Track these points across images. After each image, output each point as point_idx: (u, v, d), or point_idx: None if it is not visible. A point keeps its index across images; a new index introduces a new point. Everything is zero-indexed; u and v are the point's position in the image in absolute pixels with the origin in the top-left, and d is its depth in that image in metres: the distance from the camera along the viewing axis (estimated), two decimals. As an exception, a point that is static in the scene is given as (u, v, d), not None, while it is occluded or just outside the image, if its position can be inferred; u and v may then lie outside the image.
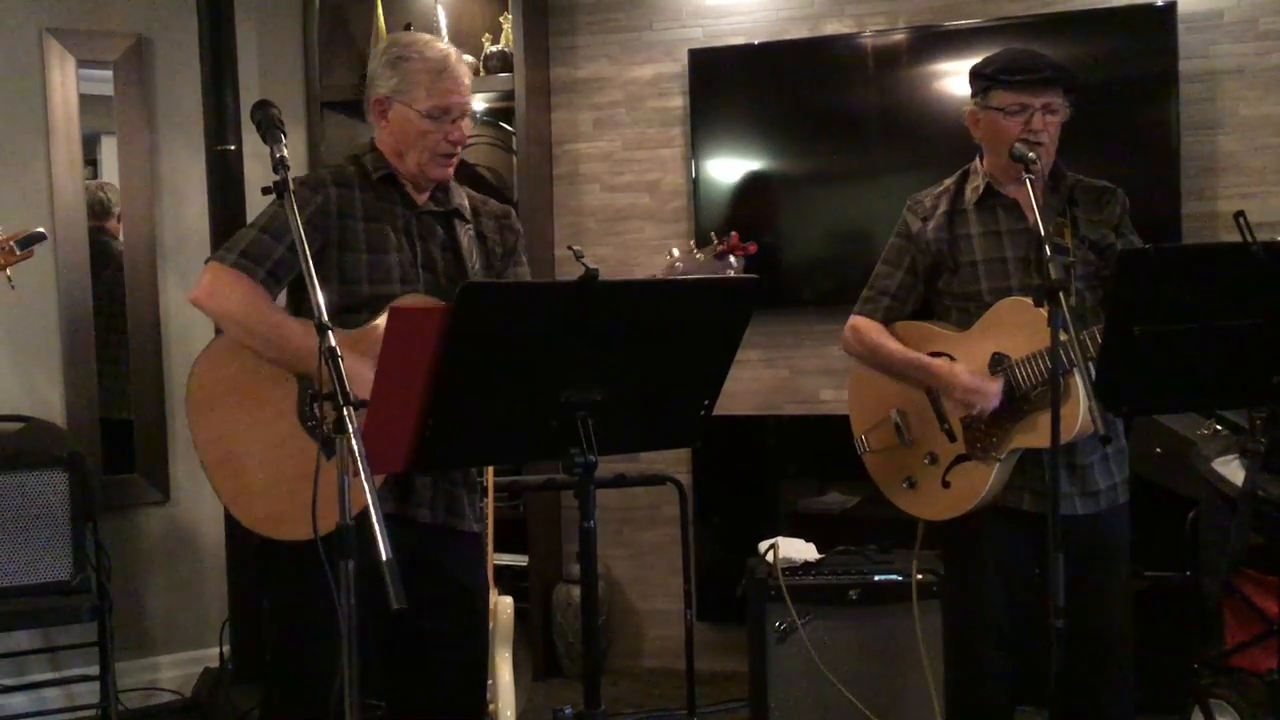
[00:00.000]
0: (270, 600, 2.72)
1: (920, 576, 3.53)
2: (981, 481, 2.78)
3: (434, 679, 2.59)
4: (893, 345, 2.90)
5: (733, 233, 2.46)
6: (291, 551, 2.46)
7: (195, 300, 2.51)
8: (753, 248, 2.43)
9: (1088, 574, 2.65)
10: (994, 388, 2.73)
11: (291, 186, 2.56)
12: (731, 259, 2.44)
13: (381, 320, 2.48)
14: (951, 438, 2.84)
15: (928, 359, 2.84)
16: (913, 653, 3.46)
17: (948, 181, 2.93)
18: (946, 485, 2.85)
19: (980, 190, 2.84)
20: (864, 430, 3.01)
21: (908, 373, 2.88)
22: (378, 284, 2.52)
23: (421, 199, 2.63)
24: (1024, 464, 2.77)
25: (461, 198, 2.68)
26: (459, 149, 2.59)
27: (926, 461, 2.89)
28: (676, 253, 2.48)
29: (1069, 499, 2.72)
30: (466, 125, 2.59)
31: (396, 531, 2.26)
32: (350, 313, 2.51)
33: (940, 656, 3.41)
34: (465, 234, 2.64)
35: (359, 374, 2.41)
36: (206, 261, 2.53)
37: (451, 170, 2.62)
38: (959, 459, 2.83)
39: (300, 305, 2.57)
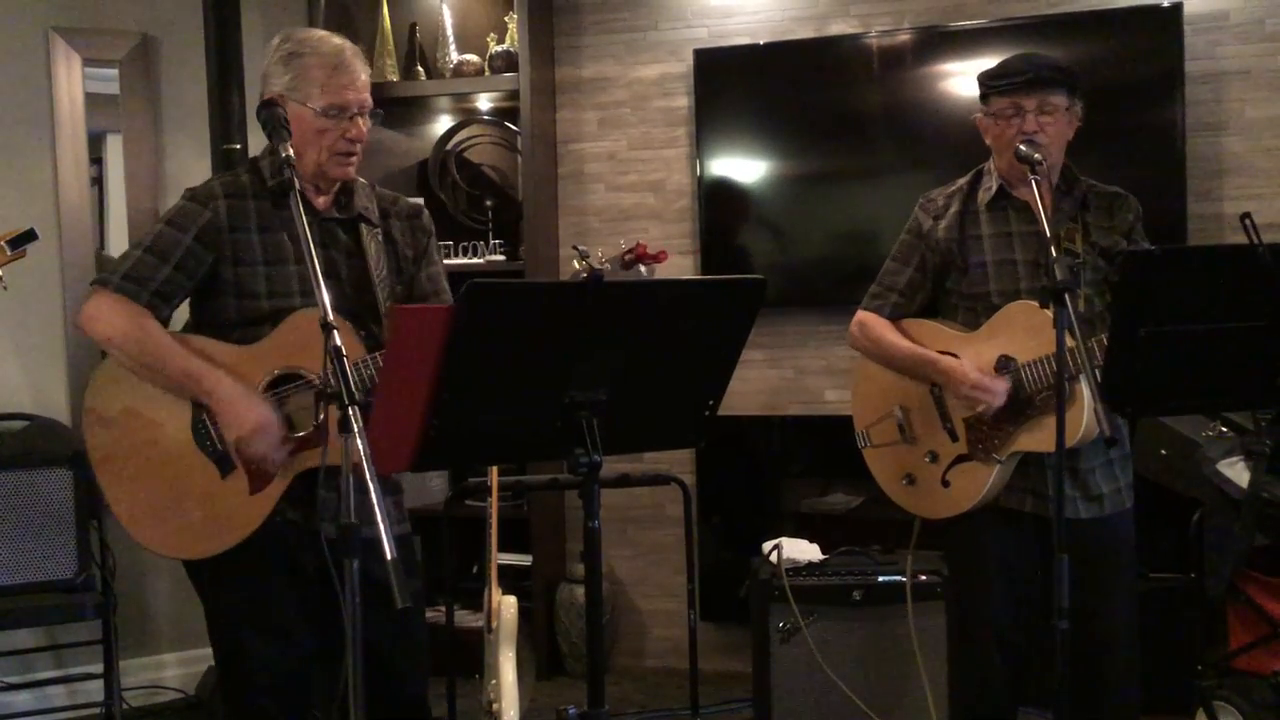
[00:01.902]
0: (204, 610, 2.66)
1: (924, 577, 3.53)
2: (981, 482, 2.78)
3: (378, 682, 2.54)
4: (900, 340, 2.90)
5: (639, 241, 2.45)
6: (213, 561, 2.45)
7: (78, 325, 2.49)
8: (664, 256, 2.42)
9: (1091, 577, 2.64)
10: (1001, 386, 2.72)
11: (182, 199, 2.50)
12: (641, 268, 2.42)
13: (279, 330, 2.44)
14: (953, 437, 2.84)
15: (935, 354, 2.84)
16: (914, 653, 3.45)
17: (961, 181, 2.93)
18: (946, 484, 2.85)
19: (993, 191, 2.84)
20: (866, 425, 3.01)
21: (914, 368, 2.88)
22: (277, 297, 2.47)
23: (323, 203, 2.55)
24: (1026, 467, 2.77)
25: (368, 200, 2.60)
26: (358, 146, 2.51)
27: (927, 460, 2.89)
28: (578, 265, 2.44)
29: (1071, 502, 2.71)
30: (365, 122, 2.51)
31: (306, 544, 2.21)
32: (250, 326, 2.47)
33: (942, 656, 3.41)
34: (372, 239, 2.56)
35: (235, 405, 2.38)
36: (90, 285, 2.50)
37: (352, 169, 2.54)
38: (960, 459, 2.83)
39: (201, 317, 2.54)
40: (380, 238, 2.59)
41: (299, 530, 2.45)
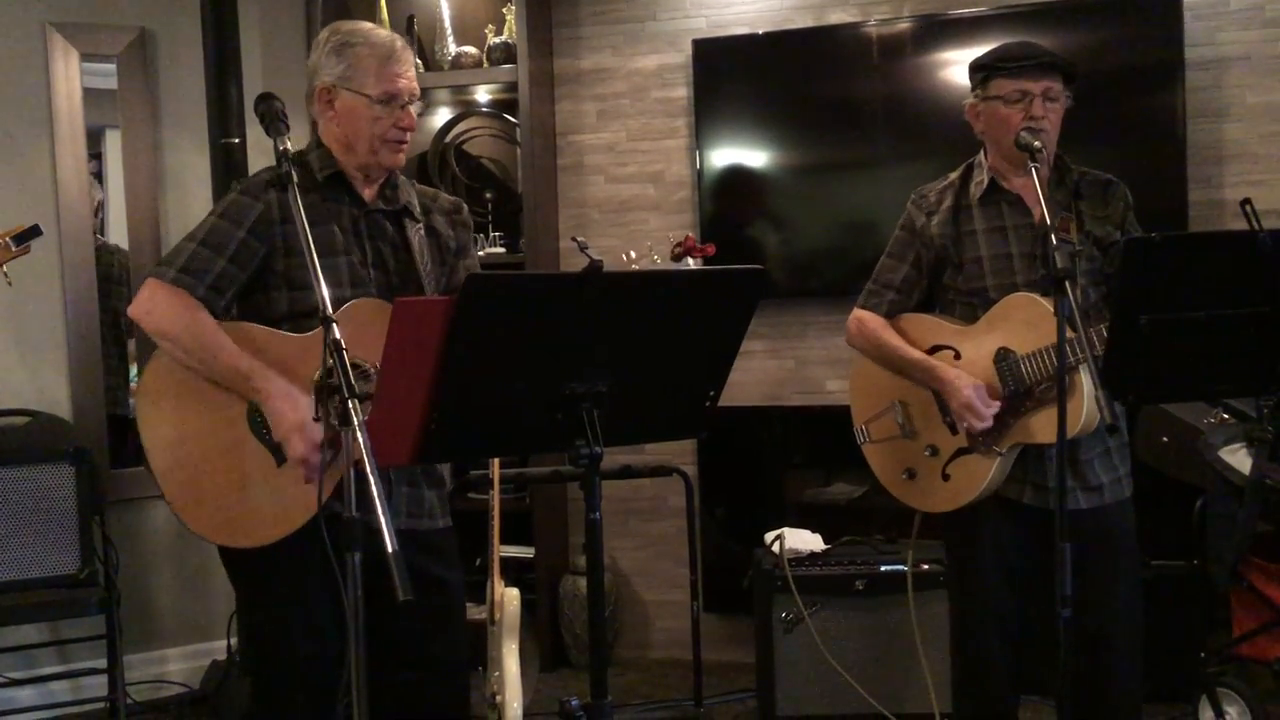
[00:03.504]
0: (239, 603, 2.67)
1: (926, 567, 3.54)
2: (982, 475, 2.78)
3: (417, 674, 2.55)
4: (897, 342, 2.89)
5: (687, 234, 2.46)
6: (257, 553, 2.45)
7: (133, 316, 2.48)
8: (710, 249, 2.43)
9: (1090, 568, 2.62)
10: (990, 411, 2.72)
11: (233, 193, 2.52)
12: (690, 260, 2.44)
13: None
14: (953, 430, 2.83)
15: (932, 361, 2.83)
16: (916, 643, 3.46)
17: (953, 175, 2.92)
18: (946, 477, 2.85)
19: (984, 185, 2.83)
20: (865, 420, 3.01)
21: (911, 372, 2.88)
22: (328, 287, 2.43)
23: (370, 194, 2.57)
24: (1025, 458, 2.77)
25: (411, 195, 2.63)
26: (409, 135, 2.55)
27: (927, 453, 2.88)
28: (633, 254, 2.47)
29: (1071, 493, 2.70)
30: (415, 110, 2.54)
31: (342, 535, 2.22)
32: (302, 318, 2.47)
33: (945, 645, 3.42)
34: (416, 233, 2.59)
35: (279, 404, 2.37)
36: (145, 276, 2.49)
37: (403, 157, 2.57)
38: (960, 451, 2.82)
39: (249, 310, 2.53)
40: (423, 231, 2.62)
41: (331, 524, 2.44)
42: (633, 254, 2.48)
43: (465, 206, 2.76)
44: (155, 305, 2.44)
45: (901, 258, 2.93)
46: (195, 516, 2.46)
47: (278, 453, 2.44)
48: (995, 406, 2.73)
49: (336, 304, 2.44)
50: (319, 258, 2.44)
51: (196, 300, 2.43)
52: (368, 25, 2.58)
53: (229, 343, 2.44)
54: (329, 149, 2.55)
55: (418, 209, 2.63)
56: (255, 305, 2.53)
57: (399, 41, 2.55)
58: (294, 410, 2.37)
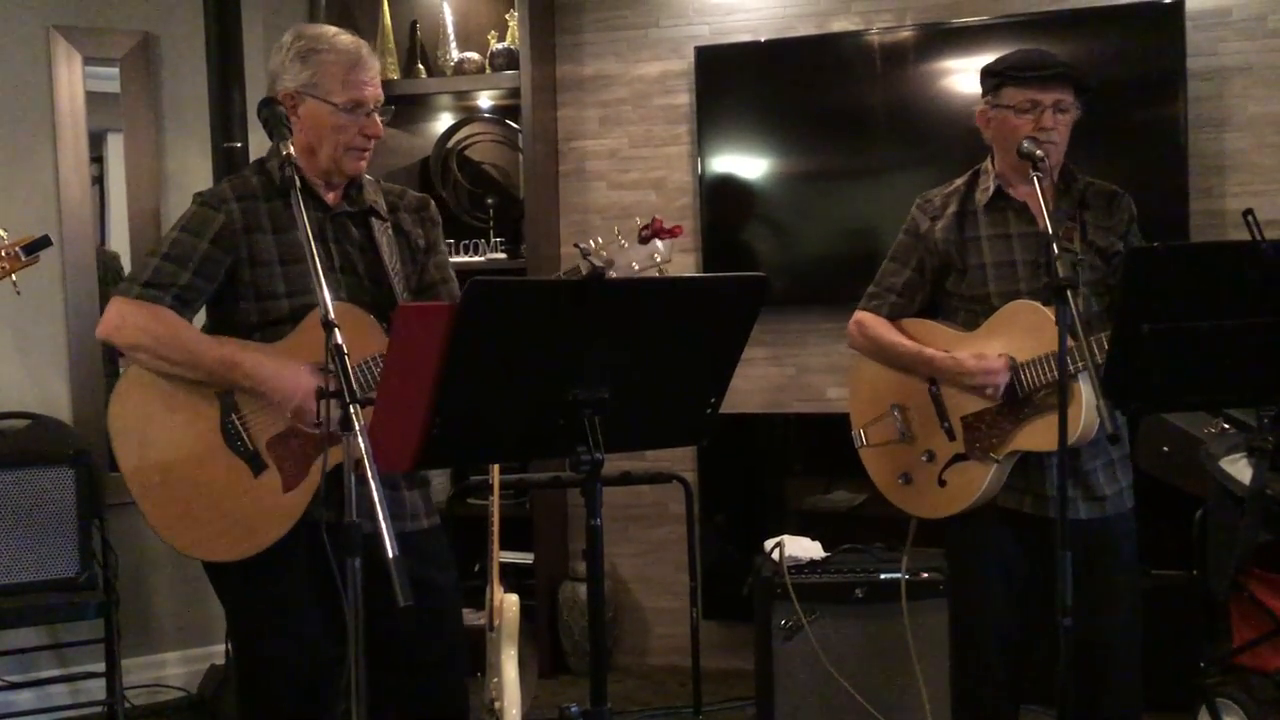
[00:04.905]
0: (226, 616, 2.67)
1: (926, 575, 3.53)
2: (978, 482, 2.78)
3: (412, 678, 2.55)
4: (898, 338, 2.90)
5: (655, 217, 2.46)
6: (239, 565, 2.44)
7: (101, 335, 2.46)
8: (679, 230, 2.43)
9: (1090, 578, 2.61)
10: (999, 365, 2.71)
11: (194, 205, 2.50)
12: (658, 243, 2.43)
13: (302, 328, 2.43)
14: (951, 436, 2.83)
15: (932, 352, 2.84)
16: (916, 651, 3.45)
17: (958, 181, 2.92)
18: (942, 484, 2.85)
19: (990, 192, 2.83)
20: (862, 424, 3.01)
21: (913, 366, 2.87)
22: (296, 295, 2.45)
23: (333, 199, 2.55)
24: (1025, 467, 2.76)
25: (376, 195, 2.61)
26: (373, 142, 2.52)
27: (924, 459, 2.88)
28: (601, 240, 2.46)
29: (1072, 502, 2.70)
30: (380, 117, 2.52)
31: (342, 540, 2.22)
32: (272, 326, 2.47)
33: (945, 654, 3.41)
34: (383, 232, 2.57)
35: (280, 378, 2.38)
36: (110, 295, 2.48)
37: (365, 164, 2.55)
38: (957, 458, 2.82)
39: (219, 322, 2.53)
40: (391, 231, 2.60)
41: (333, 528, 2.44)
42: (600, 239, 2.46)
43: (432, 203, 2.73)
44: (124, 320, 2.43)
45: (904, 261, 2.93)
46: (177, 534, 2.45)
47: (254, 463, 2.44)
48: (1000, 360, 2.71)
49: (304, 310, 2.43)
50: (285, 265, 2.46)
51: (165, 308, 2.42)
52: (332, 30, 2.55)
53: (207, 338, 2.44)
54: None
55: (384, 208, 2.61)
56: (225, 316, 2.52)
57: (364, 48, 2.52)
58: (296, 378, 2.37)
